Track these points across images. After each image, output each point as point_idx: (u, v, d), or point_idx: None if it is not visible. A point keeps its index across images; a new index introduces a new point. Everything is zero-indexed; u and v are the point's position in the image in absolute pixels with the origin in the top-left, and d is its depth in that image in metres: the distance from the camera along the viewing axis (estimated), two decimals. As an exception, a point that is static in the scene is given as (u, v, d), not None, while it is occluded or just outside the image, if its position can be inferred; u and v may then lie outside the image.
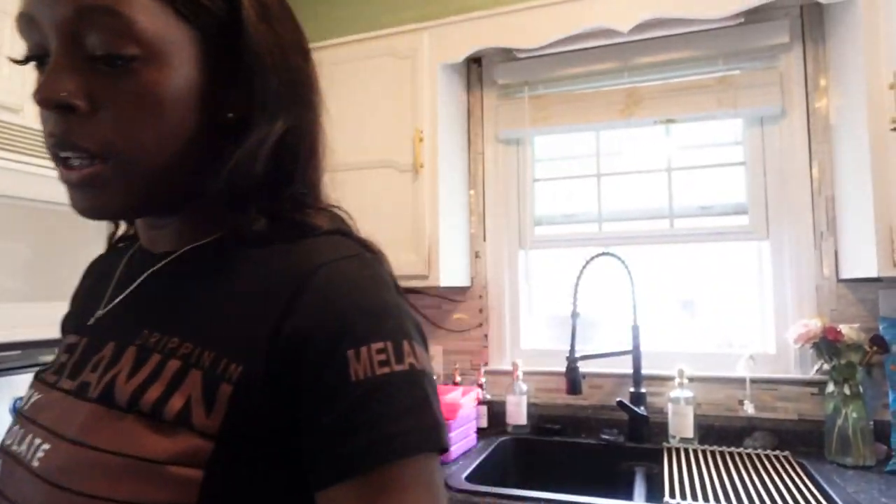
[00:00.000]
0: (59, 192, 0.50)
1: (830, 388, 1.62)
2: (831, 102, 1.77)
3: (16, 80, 1.20)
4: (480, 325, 2.15)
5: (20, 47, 0.49)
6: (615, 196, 2.07)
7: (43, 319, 1.20)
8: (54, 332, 1.20)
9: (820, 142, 1.80)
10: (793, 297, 1.80)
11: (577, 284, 1.82)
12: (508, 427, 1.95)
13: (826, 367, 1.64)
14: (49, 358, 1.64)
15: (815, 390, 1.75)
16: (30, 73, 0.49)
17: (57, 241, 1.22)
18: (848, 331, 1.60)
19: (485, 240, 2.16)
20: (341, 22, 2.06)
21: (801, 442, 1.73)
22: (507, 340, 2.12)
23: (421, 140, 1.89)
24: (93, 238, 1.29)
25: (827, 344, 1.62)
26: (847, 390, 1.58)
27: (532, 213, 2.14)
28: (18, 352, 1.52)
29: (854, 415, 1.56)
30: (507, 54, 2.12)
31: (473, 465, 1.60)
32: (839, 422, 1.58)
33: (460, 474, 1.52)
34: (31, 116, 1.25)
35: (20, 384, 1.45)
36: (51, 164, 0.50)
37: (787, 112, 1.83)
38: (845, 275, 1.71)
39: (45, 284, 1.20)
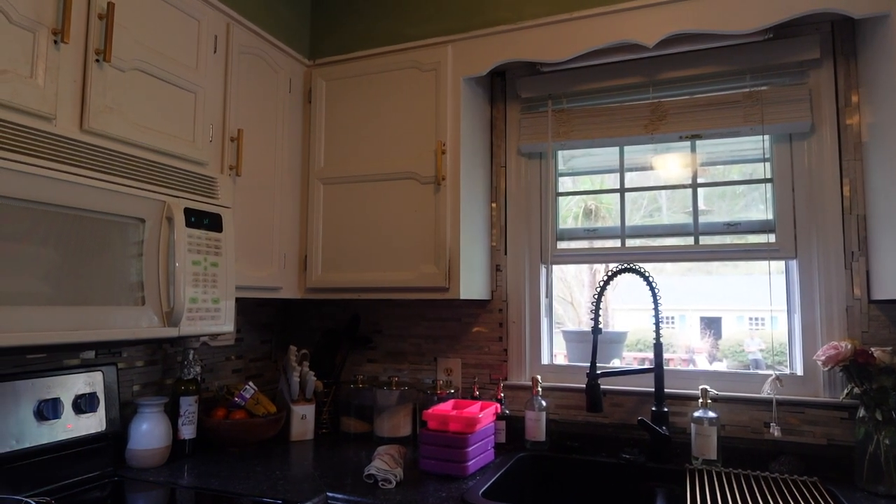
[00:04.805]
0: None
1: (861, 412, 1.57)
2: (863, 119, 1.73)
3: (50, 89, 1.23)
4: (500, 339, 2.13)
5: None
6: (639, 211, 2.05)
7: (68, 323, 1.22)
8: (79, 336, 1.22)
9: (851, 159, 1.76)
10: (822, 317, 1.76)
11: (598, 300, 1.80)
12: (527, 443, 1.93)
13: (857, 390, 1.59)
14: (74, 361, 1.67)
15: (844, 415, 1.69)
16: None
17: (83, 246, 1.24)
18: (880, 354, 1.55)
19: (506, 253, 2.15)
20: (366, 35, 2.08)
21: (831, 468, 1.67)
22: (527, 355, 2.09)
23: (443, 152, 1.89)
24: (117, 245, 1.31)
25: (857, 367, 1.57)
26: (879, 416, 1.53)
27: (554, 227, 2.13)
28: (44, 355, 1.55)
29: (887, 441, 1.51)
30: (531, 68, 2.12)
31: (491, 482, 1.58)
32: (871, 448, 1.53)
33: (477, 490, 1.50)
34: (63, 125, 1.28)
35: (45, 387, 1.47)
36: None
37: (817, 128, 1.80)
38: (877, 296, 1.66)
39: (71, 289, 1.22)
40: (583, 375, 2.01)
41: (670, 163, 2.02)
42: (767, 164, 1.88)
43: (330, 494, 1.48)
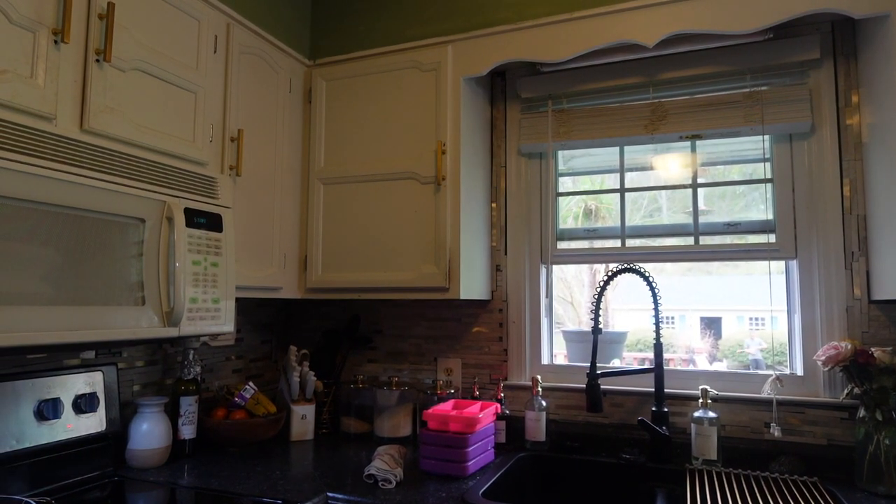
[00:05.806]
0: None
1: (862, 412, 1.57)
2: (863, 119, 1.73)
3: (50, 89, 1.23)
4: (500, 339, 2.13)
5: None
6: (639, 211, 2.05)
7: (68, 323, 1.22)
8: (79, 336, 1.22)
9: (851, 159, 1.76)
10: (822, 317, 1.76)
11: (598, 300, 1.80)
12: (527, 443, 1.93)
13: (857, 391, 1.59)
14: (74, 361, 1.67)
15: (845, 415, 1.69)
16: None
17: (84, 246, 1.24)
18: (880, 354, 1.55)
19: (506, 253, 2.15)
20: (366, 35, 2.08)
21: (831, 468, 1.67)
22: (527, 355, 2.09)
23: (443, 152, 1.89)
24: (117, 245, 1.31)
25: (858, 367, 1.57)
26: (879, 416, 1.53)
27: (554, 227, 2.13)
28: (44, 355, 1.55)
29: (887, 441, 1.51)
30: (531, 68, 2.12)
31: (491, 482, 1.58)
32: (871, 448, 1.53)
33: (477, 490, 1.50)
34: (63, 125, 1.28)
35: (46, 387, 1.47)
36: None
37: (817, 128, 1.80)
38: (878, 296, 1.66)
39: (71, 289, 1.22)
40: (583, 375, 2.01)
41: (670, 163, 2.02)
42: (767, 165, 1.88)
43: (330, 494, 1.48)
